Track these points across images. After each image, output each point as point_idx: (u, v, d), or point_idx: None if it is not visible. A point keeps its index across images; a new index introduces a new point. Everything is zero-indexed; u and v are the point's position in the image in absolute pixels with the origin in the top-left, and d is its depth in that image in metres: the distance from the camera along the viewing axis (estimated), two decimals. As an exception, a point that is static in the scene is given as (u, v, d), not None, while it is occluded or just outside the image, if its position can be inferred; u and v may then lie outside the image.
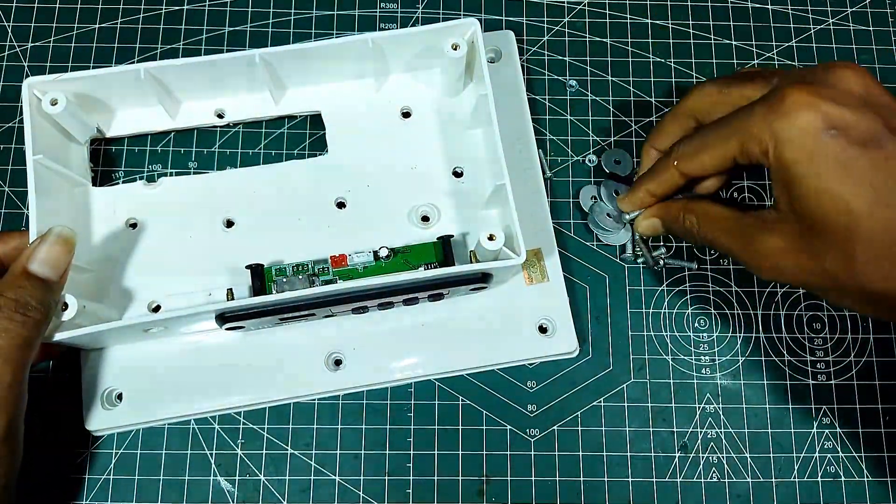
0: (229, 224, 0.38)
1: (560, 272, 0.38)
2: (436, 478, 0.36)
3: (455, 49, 0.36)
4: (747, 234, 0.31)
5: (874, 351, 0.38)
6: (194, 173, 0.39)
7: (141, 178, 0.39)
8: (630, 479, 0.36)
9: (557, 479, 0.36)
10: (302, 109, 0.39)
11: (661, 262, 0.39)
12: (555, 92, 0.42)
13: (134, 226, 0.37)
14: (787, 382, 0.38)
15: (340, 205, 0.38)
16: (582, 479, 0.36)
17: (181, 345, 0.36)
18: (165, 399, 0.36)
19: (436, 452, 0.36)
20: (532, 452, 0.36)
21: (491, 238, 0.33)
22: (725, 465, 0.36)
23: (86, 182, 0.38)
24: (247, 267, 0.36)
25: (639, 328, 0.38)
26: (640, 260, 0.39)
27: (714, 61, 0.42)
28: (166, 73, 0.36)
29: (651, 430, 0.37)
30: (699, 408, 0.37)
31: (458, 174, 0.38)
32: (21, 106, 0.34)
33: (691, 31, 0.43)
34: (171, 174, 0.39)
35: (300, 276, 0.36)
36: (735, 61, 0.42)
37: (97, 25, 0.42)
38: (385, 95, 0.39)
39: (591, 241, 0.39)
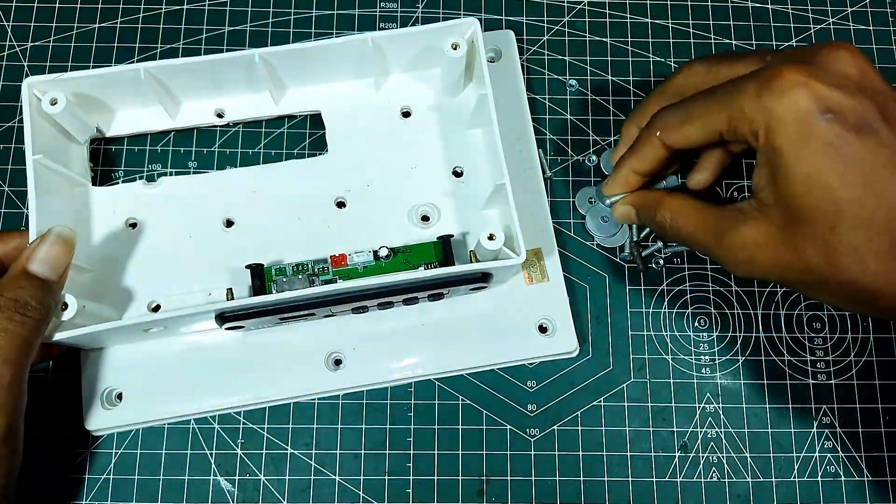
0: (229, 224, 0.38)
1: (560, 272, 0.38)
2: (436, 478, 0.36)
3: (455, 49, 0.36)
4: (722, 228, 0.30)
5: (874, 351, 0.38)
6: (194, 173, 0.39)
7: (141, 178, 0.39)
8: (630, 479, 0.36)
9: (557, 478, 0.36)
10: (302, 109, 0.39)
11: (658, 262, 0.39)
12: (555, 92, 0.42)
13: (134, 226, 0.37)
14: (787, 382, 0.38)
15: (340, 205, 0.38)
16: (582, 478, 0.36)
17: (181, 345, 0.36)
18: (165, 399, 0.36)
19: (436, 452, 0.36)
20: (532, 452, 0.36)
21: (491, 238, 0.33)
22: (725, 465, 0.36)
23: (86, 182, 0.38)
24: (247, 267, 0.36)
25: (639, 328, 0.38)
26: (632, 264, 0.39)
27: (714, 61, 0.42)
28: (166, 72, 0.36)
29: (651, 429, 0.37)
30: (699, 407, 0.37)
31: (458, 174, 0.38)
32: (21, 106, 0.34)
33: (691, 30, 0.43)
34: (171, 174, 0.39)
35: (300, 276, 0.36)
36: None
37: (97, 25, 0.42)
38: (385, 95, 0.39)
39: (591, 241, 0.39)
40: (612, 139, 0.41)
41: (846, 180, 0.26)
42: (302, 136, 0.40)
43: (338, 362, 0.36)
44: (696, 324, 0.38)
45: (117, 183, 0.39)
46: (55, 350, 0.35)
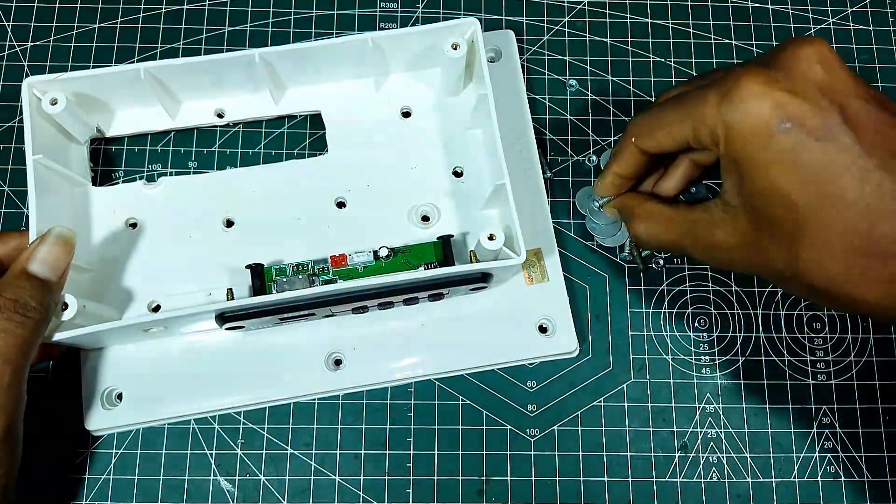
0: (229, 224, 0.38)
1: (560, 272, 0.38)
2: (436, 478, 0.36)
3: (455, 49, 0.36)
4: (697, 233, 0.30)
5: (874, 351, 0.38)
6: (194, 173, 0.39)
7: (141, 178, 0.39)
8: (630, 479, 0.36)
9: (557, 478, 0.36)
10: (302, 109, 0.39)
11: (658, 262, 0.39)
12: (555, 92, 0.42)
13: (134, 226, 0.37)
14: (787, 382, 0.38)
15: (340, 205, 0.38)
16: (582, 479, 0.36)
17: (181, 345, 0.36)
18: (165, 399, 0.36)
19: (436, 452, 0.36)
20: (532, 452, 0.36)
21: (491, 238, 0.33)
22: (725, 465, 0.36)
23: (86, 182, 0.38)
24: (247, 267, 0.36)
25: (639, 328, 0.38)
26: (632, 264, 0.39)
27: (714, 61, 0.42)
28: (166, 72, 0.36)
29: (651, 429, 0.37)
30: (699, 408, 0.37)
31: (458, 174, 0.38)
32: (21, 106, 0.34)
33: (691, 30, 0.43)
34: (171, 174, 0.39)
35: (300, 276, 0.36)
36: (735, 61, 0.42)
37: (97, 25, 0.42)
38: (385, 95, 0.39)
39: (591, 241, 0.39)
40: (612, 139, 0.41)
41: (805, 189, 0.26)
42: (302, 136, 0.40)
43: (338, 362, 0.36)
44: (696, 324, 0.38)
45: (117, 183, 0.39)
46: (55, 350, 0.35)
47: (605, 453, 0.36)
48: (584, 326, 0.38)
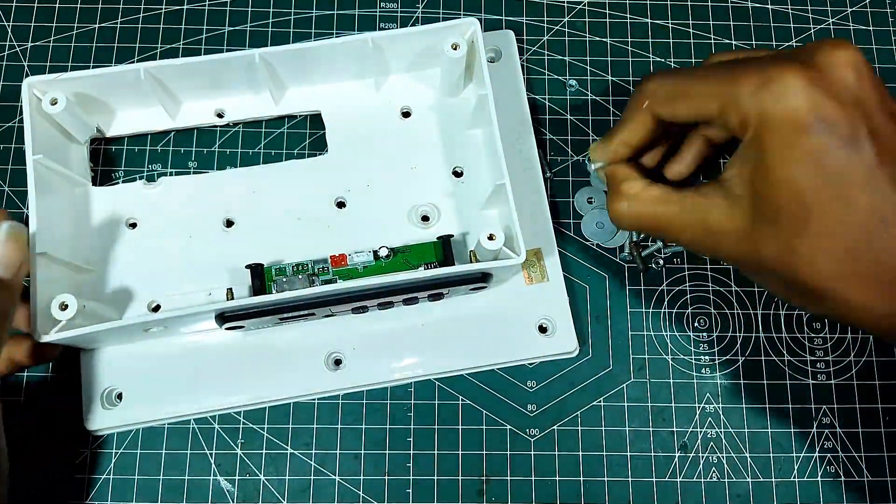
0: (229, 224, 0.38)
1: (560, 272, 0.38)
2: (436, 478, 0.36)
3: (455, 49, 0.36)
4: (686, 214, 0.30)
5: (874, 351, 0.38)
6: (194, 173, 0.39)
7: (141, 178, 0.39)
8: (630, 479, 0.36)
9: (557, 478, 0.36)
10: (302, 109, 0.39)
11: (658, 262, 0.39)
12: (555, 92, 0.42)
13: (134, 226, 0.37)
14: (787, 382, 0.38)
15: (340, 205, 0.38)
16: (582, 479, 0.36)
17: (181, 345, 0.36)
18: (165, 399, 0.36)
19: (436, 452, 0.36)
20: (532, 452, 0.36)
21: (491, 238, 0.33)
22: (725, 465, 0.36)
23: (86, 182, 0.38)
24: (247, 267, 0.36)
25: (639, 328, 0.38)
26: (632, 264, 0.39)
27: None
28: (166, 72, 0.36)
29: (651, 429, 0.37)
30: (699, 408, 0.37)
31: (458, 174, 0.38)
32: (21, 106, 0.34)
33: (691, 30, 0.43)
34: (171, 174, 0.39)
35: (300, 276, 0.36)
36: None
37: (97, 25, 0.42)
38: (385, 95, 0.39)
39: (591, 241, 0.39)
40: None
41: (822, 191, 0.27)
42: (302, 136, 0.40)
43: (338, 362, 0.36)
44: (696, 324, 0.38)
45: (117, 183, 0.39)
46: (54, 350, 0.35)
47: (605, 453, 0.36)
48: (584, 326, 0.38)
